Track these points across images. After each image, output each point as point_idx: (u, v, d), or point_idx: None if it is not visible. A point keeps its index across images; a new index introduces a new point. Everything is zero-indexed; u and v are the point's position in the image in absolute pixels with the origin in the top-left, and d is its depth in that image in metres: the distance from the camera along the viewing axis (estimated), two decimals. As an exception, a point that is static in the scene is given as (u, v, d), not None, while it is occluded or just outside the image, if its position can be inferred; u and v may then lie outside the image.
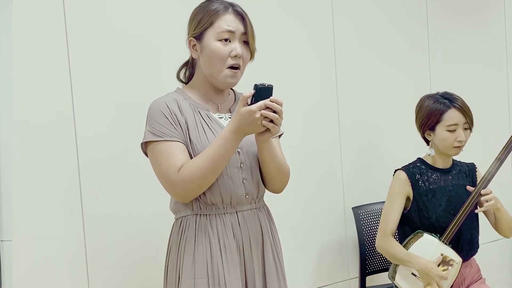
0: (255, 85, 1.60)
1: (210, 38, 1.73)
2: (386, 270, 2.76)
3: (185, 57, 1.87)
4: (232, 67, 1.74)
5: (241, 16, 1.75)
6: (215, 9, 1.73)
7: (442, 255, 2.28)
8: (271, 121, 1.62)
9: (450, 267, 2.28)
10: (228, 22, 1.72)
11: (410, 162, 2.48)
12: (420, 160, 2.47)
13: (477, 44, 3.45)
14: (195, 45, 1.77)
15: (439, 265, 2.27)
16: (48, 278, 2.04)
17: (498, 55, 3.57)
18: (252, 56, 1.79)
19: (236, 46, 1.73)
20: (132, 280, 2.22)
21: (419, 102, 2.46)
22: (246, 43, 1.76)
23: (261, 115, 1.60)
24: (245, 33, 1.75)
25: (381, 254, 2.76)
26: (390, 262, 2.51)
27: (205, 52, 1.74)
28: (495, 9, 3.56)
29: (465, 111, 2.35)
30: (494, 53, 3.55)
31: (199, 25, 1.74)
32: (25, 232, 2.00)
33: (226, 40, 1.72)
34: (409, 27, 3.14)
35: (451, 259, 2.27)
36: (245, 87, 1.86)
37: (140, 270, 2.23)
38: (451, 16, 3.32)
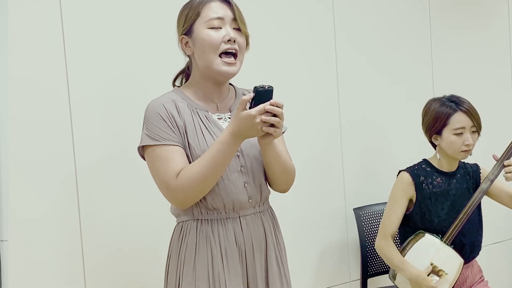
0: (255, 87, 1.56)
1: (200, 28, 1.68)
2: (388, 272, 2.73)
3: (182, 56, 1.83)
4: (227, 53, 1.68)
5: (227, 2, 1.71)
6: (200, 1, 1.70)
7: (432, 264, 2.26)
8: (272, 124, 1.58)
9: (439, 278, 2.26)
10: (215, 9, 1.68)
11: (415, 163, 2.46)
12: (425, 161, 2.45)
13: (480, 44, 3.42)
14: (187, 42, 1.73)
15: (429, 275, 2.26)
16: (45, 278, 2.04)
17: (502, 55, 3.54)
18: (247, 43, 1.75)
19: (229, 31, 1.68)
20: (130, 282, 2.21)
21: (425, 106, 2.43)
22: (238, 30, 1.72)
23: (261, 120, 1.56)
24: (234, 19, 1.70)
25: (382, 256, 2.76)
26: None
27: (197, 43, 1.70)
28: (498, 8, 3.53)
29: (472, 114, 2.32)
30: (498, 52, 3.52)
31: (187, 20, 1.71)
32: (22, 232, 2.00)
33: (217, 27, 1.68)
34: (412, 26, 3.12)
35: (440, 270, 2.26)
36: (245, 84, 1.83)
37: (138, 271, 2.22)
38: (454, 16, 3.30)
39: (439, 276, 2.26)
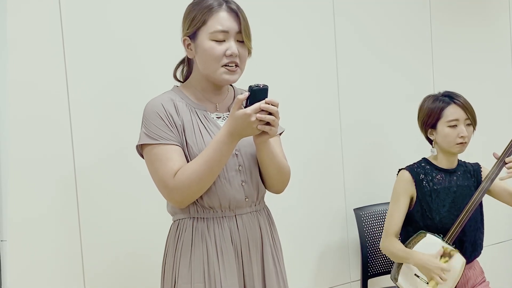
0: (250, 86, 1.57)
1: (204, 38, 1.68)
2: (388, 272, 2.73)
3: (181, 56, 1.84)
4: (228, 65, 1.69)
5: (235, 14, 1.70)
6: (209, 5, 1.68)
7: (443, 247, 2.25)
8: (268, 123, 1.59)
9: (451, 259, 2.24)
10: (221, 21, 1.67)
11: (415, 162, 2.46)
12: (425, 160, 2.45)
13: (481, 43, 3.41)
14: (189, 44, 1.73)
15: (440, 258, 2.24)
16: (44, 278, 2.05)
17: (503, 54, 3.53)
18: (249, 53, 1.75)
19: (232, 45, 1.68)
20: (129, 281, 2.21)
21: (421, 102, 2.45)
22: (241, 41, 1.71)
23: (256, 118, 1.56)
24: (239, 32, 1.70)
25: (383, 256, 2.76)
26: (392, 265, 2.48)
27: (199, 52, 1.70)
28: (500, 7, 3.52)
29: (466, 108, 2.34)
30: (499, 51, 3.50)
31: (192, 24, 1.70)
32: (21, 232, 2.01)
33: (220, 40, 1.67)
34: (412, 26, 3.11)
35: (452, 250, 2.25)
36: (243, 84, 1.83)
37: (136, 271, 2.22)
38: (454, 15, 3.29)
39: (450, 256, 2.24)
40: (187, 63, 1.84)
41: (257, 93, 1.56)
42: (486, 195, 2.39)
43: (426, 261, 2.23)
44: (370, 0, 2.93)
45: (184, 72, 1.86)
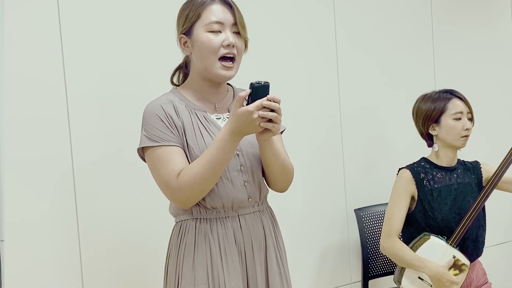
0: (251, 83, 1.55)
1: (200, 31, 1.68)
2: (389, 273, 2.73)
3: (180, 54, 1.82)
4: (225, 58, 1.68)
5: (229, 5, 1.70)
6: (202, 1, 1.69)
7: (454, 257, 2.24)
8: (270, 120, 1.57)
9: (461, 273, 2.24)
10: (215, 12, 1.68)
11: (414, 161, 2.45)
12: (424, 159, 2.44)
13: (483, 43, 3.40)
14: (186, 42, 1.73)
15: (450, 268, 2.23)
16: (43, 278, 2.04)
17: (505, 54, 3.53)
18: (245, 46, 1.74)
19: (228, 36, 1.68)
20: (128, 281, 2.20)
21: (415, 103, 2.45)
22: (237, 33, 1.71)
23: (259, 115, 1.54)
24: (235, 23, 1.70)
25: (384, 257, 2.73)
26: (393, 266, 2.46)
27: (196, 46, 1.69)
28: (501, 6, 3.51)
29: (467, 102, 2.39)
30: (500, 51, 3.50)
31: (187, 20, 1.70)
32: (20, 232, 2.00)
33: (216, 31, 1.67)
34: (413, 25, 3.11)
35: (463, 264, 2.24)
36: (245, 82, 1.82)
37: (136, 271, 2.22)
38: (456, 13, 3.29)
39: (461, 270, 2.24)
40: (184, 68, 1.83)
41: (259, 90, 1.54)
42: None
43: (440, 273, 2.22)
44: (371, -1, 2.93)
45: (181, 77, 1.85)
